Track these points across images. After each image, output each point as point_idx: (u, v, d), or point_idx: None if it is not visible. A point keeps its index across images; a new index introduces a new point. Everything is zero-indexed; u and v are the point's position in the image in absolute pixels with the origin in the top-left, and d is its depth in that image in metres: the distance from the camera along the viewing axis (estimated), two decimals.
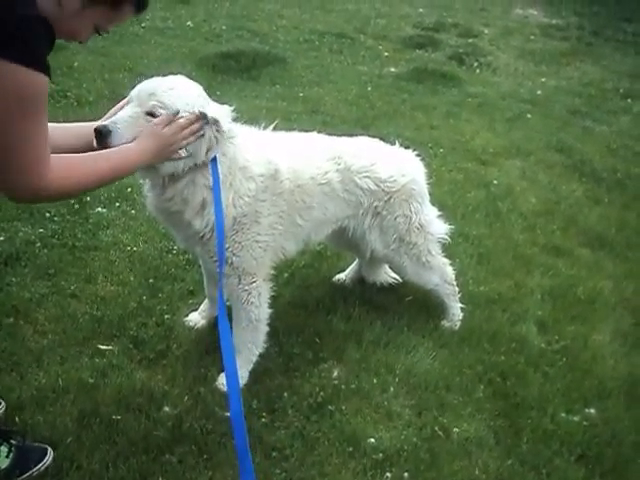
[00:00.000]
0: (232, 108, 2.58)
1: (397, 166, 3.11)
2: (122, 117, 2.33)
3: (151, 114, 2.34)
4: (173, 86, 2.42)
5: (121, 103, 2.45)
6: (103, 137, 2.25)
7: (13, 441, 2.38)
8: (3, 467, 2.32)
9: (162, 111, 2.34)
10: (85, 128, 2.31)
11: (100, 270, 3.45)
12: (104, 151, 2.20)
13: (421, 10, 10.97)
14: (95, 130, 2.26)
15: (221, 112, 2.50)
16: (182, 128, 2.33)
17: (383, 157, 3.11)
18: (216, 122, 2.43)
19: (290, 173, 2.78)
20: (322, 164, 2.92)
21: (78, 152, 2.12)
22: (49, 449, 2.41)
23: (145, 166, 2.32)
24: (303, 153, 2.90)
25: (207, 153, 2.46)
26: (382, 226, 3.13)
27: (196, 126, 2.37)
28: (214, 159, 2.47)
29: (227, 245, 2.62)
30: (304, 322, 3.24)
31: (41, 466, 2.36)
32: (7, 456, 2.34)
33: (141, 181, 2.74)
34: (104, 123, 2.29)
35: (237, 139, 2.59)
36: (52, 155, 1.92)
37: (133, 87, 2.44)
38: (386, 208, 3.10)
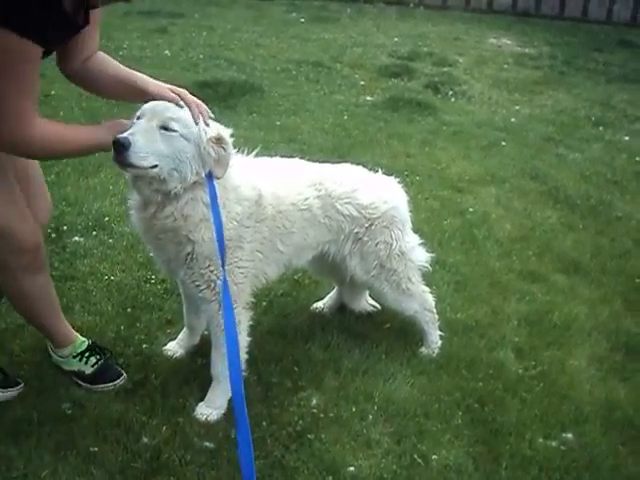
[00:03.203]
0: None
1: (379, 193, 3.14)
2: (138, 130, 2.39)
3: (165, 127, 2.41)
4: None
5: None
6: (124, 149, 2.32)
7: (102, 358, 2.95)
8: (87, 373, 2.90)
9: (176, 124, 2.42)
10: (131, 78, 2.63)
11: (77, 300, 3.43)
12: (79, 130, 2.47)
13: (396, 39, 11.09)
14: (115, 142, 2.33)
15: (224, 131, 2.61)
16: None
17: (364, 184, 3.14)
18: (224, 141, 2.55)
19: (272, 199, 2.81)
20: (303, 190, 2.94)
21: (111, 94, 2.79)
22: (124, 375, 2.94)
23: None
24: (285, 179, 2.94)
25: (219, 170, 2.54)
26: (363, 252, 3.15)
27: None
28: (210, 175, 2.52)
29: (212, 268, 2.63)
30: (282, 351, 3.24)
31: (113, 385, 2.89)
32: (92, 366, 2.91)
33: (129, 200, 2.73)
34: (123, 135, 2.34)
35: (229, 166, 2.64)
36: (45, 120, 2.29)
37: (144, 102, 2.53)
38: (367, 234, 3.12)
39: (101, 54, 2.68)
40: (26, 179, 2.66)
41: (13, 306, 2.91)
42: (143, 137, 2.37)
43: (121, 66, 2.69)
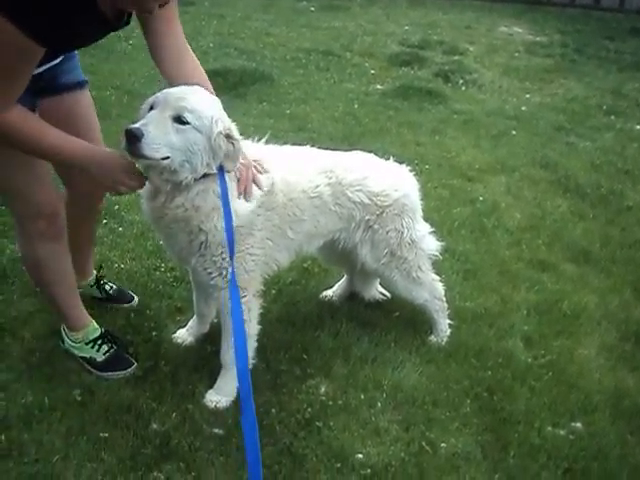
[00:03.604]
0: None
1: (390, 180, 3.13)
2: (151, 121, 2.36)
3: (178, 119, 2.38)
4: (201, 94, 2.51)
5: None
6: (136, 139, 2.30)
7: (114, 347, 2.98)
8: (98, 360, 2.93)
9: (189, 116, 2.39)
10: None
11: None
12: (61, 142, 2.40)
13: (406, 28, 11.05)
14: (126, 131, 2.31)
15: (233, 126, 2.58)
16: (122, 185, 2.49)
17: (376, 171, 3.12)
18: (234, 137, 2.52)
19: (284, 186, 2.80)
20: (314, 177, 2.93)
21: None
22: (135, 364, 2.96)
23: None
24: (296, 166, 2.92)
25: (230, 164, 2.53)
26: (373, 240, 3.14)
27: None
28: (221, 168, 2.52)
29: (224, 255, 2.63)
30: (292, 338, 3.25)
31: (123, 373, 2.92)
32: (104, 354, 2.95)
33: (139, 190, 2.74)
34: (136, 125, 2.33)
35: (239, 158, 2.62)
36: (26, 112, 2.30)
37: (154, 94, 2.50)
38: (378, 222, 3.11)
39: (196, 67, 2.73)
40: None
41: (30, 276, 2.99)
42: (156, 128, 2.35)
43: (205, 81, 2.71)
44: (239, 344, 2.13)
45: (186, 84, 2.56)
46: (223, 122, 2.50)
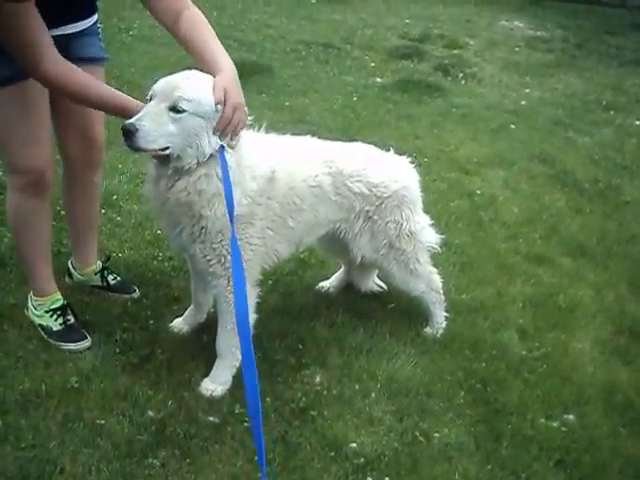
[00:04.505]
0: None
1: (390, 172, 3.14)
2: (147, 114, 2.39)
3: (174, 108, 2.39)
4: (195, 80, 2.50)
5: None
6: (130, 134, 2.34)
7: (71, 320, 3.03)
8: (54, 329, 2.99)
9: (186, 104, 2.40)
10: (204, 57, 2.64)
11: None
12: (108, 94, 2.54)
13: (407, 21, 11.05)
14: (122, 128, 2.35)
15: None
16: None
17: (376, 162, 3.14)
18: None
19: (284, 175, 2.81)
20: (314, 167, 2.95)
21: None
22: (89, 339, 3.00)
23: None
24: (296, 156, 2.93)
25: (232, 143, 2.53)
26: (373, 231, 3.15)
27: None
28: (222, 149, 2.51)
29: (224, 242, 2.64)
30: (287, 328, 3.26)
31: (76, 346, 2.96)
32: (60, 325, 3.00)
33: (145, 174, 2.74)
34: (130, 121, 2.36)
35: (242, 138, 2.62)
36: (69, 65, 2.45)
37: (155, 82, 2.50)
38: (377, 213, 3.12)
39: (196, 19, 2.74)
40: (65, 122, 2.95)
41: (9, 226, 3.09)
42: (151, 121, 2.37)
43: (209, 41, 2.71)
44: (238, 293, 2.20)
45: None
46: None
